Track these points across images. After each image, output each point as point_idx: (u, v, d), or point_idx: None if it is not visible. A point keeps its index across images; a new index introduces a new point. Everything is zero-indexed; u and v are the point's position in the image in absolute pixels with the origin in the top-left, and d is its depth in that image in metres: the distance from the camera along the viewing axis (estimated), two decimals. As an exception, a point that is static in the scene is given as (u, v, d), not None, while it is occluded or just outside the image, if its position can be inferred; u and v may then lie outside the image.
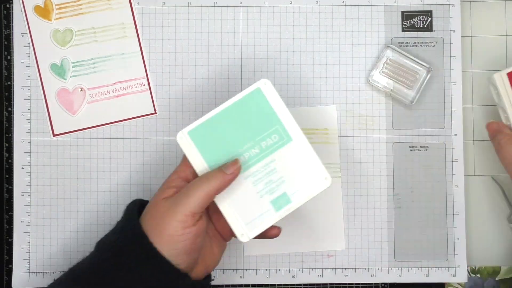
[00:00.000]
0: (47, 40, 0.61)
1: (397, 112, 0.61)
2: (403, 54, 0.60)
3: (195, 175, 0.50)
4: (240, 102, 0.49)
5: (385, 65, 0.60)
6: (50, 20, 0.61)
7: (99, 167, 0.60)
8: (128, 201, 0.52)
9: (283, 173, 0.49)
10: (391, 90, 0.60)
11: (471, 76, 0.61)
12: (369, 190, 0.60)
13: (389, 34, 0.61)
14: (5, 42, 0.61)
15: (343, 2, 0.61)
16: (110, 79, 0.61)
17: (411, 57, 0.60)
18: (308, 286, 0.60)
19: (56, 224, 0.60)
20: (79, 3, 0.61)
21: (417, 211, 0.60)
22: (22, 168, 0.60)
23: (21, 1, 0.61)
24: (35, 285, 0.60)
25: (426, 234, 0.60)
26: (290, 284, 0.60)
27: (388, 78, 0.60)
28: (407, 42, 0.61)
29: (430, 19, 0.61)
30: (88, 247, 0.52)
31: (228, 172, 0.48)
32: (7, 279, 0.60)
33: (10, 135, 0.61)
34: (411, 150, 0.61)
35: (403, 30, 0.61)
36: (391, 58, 0.60)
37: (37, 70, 0.61)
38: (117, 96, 0.61)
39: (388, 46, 0.60)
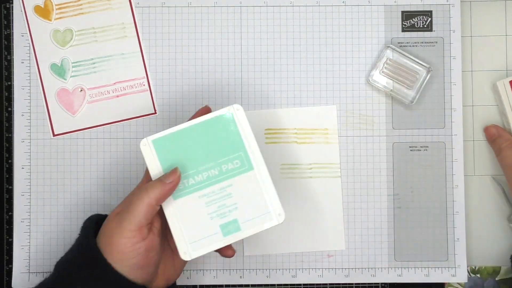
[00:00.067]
0: (47, 40, 0.61)
1: (397, 112, 0.61)
2: (403, 54, 0.60)
3: None
4: (210, 122, 0.49)
5: (385, 65, 0.60)
6: (50, 20, 0.61)
7: (99, 167, 0.60)
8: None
9: (238, 199, 0.49)
10: (391, 90, 0.60)
11: (471, 76, 0.61)
12: (369, 190, 0.60)
13: (389, 34, 0.61)
14: (5, 42, 0.61)
15: (343, 2, 0.61)
16: (110, 79, 0.61)
17: (411, 57, 0.60)
18: (308, 286, 0.60)
19: (56, 224, 0.60)
20: (79, 3, 0.61)
21: (417, 211, 0.60)
22: (22, 168, 0.60)
23: (21, 1, 0.61)
24: (35, 285, 0.60)
25: (426, 234, 0.60)
26: (290, 284, 0.60)
27: (388, 78, 0.60)
28: (407, 42, 0.61)
29: (430, 19, 0.61)
30: (88, 247, 0.52)
31: (167, 181, 0.47)
32: (7, 279, 0.60)
33: (10, 135, 0.61)
34: (411, 150, 0.61)
35: (403, 30, 0.61)
36: (391, 58, 0.60)
37: (37, 70, 0.61)
38: (117, 96, 0.61)
39: (388, 46, 0.60)
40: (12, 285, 0.60)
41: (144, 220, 0.46)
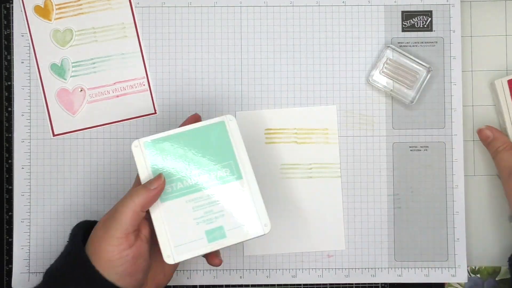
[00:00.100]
0: (47, 40, 0.61)
1: (397, 112, 0.61)
2: (403, 54, 0.60)
3: None
4: (202, 129, 0.50)
5: (385, 65, 0.60)
6: (50, 20, 0.61)
7: (99, 167, 0.60)
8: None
9: (225, 207, 0.49)
10: (391, 90, 0.60)
11: (471, 76, 0.61)
12: (369, 190, 0.60)
13: (389, 34, 0.61)
14: (5, 42, 0.61)
15: (343, 2, 0.61)
16: (110, 79, 0.61)
17: (411, 57, 0.60)
18: (308, 286, 0.60)
19: (56, 224, 0.60)
20: (79, 3, 0.61)
21: (417, 211, 0.60)
22: (22, 168, 0.60)
23: (21, 1, 0.61)
24: (35, 285, 0.60)
25: (426, 234, 0.60)
26: (290, 284, 0.60)
27: (388, 78, 0.60)
28: (407, 42, 0.61)
29: (430, 19, 0.61)
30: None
31: (152, 187, 0.47)
32: (7, 279, 0.60)
33: (10, 135, 0.61)
34: (411, 150, 0.61)
35: (403, 30, 0.61)
36: (391, 58, 0.60)
37: (37, 70, 0.61)
38: (117, 96, 0.61)
39: (388, 46, 0.60)
40: (12, 285, 0.60)
41: (130, 227, 0.46)
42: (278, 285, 0.60)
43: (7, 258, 0.60)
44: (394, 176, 0.60)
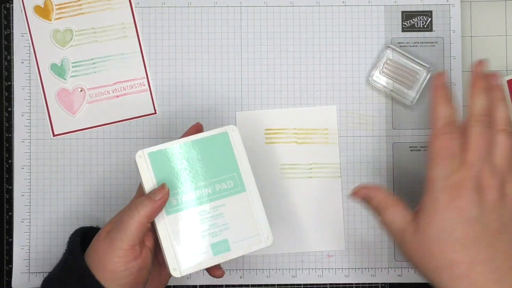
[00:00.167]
0: (47, 40, 0.61)
1: (397, 112, 0.61)
2: (403, 54, 0.60)
3: None
4: (206, 140, 0.50)
5: (385, 65, 0.60)
6: (50, 20, 0.61)
7: (99, 167, 0.60)
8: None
9: (229, 220, 0.49)
10: (391, 90, 0.60)
11: (471, 76, 0.61)
12: (369, 190, 0.60)
13: (389, 34, 0.61)
14: (5, 42, 0.61)
15: (343, 2, 0.61)
16: (110, 79, 0.61)
17: (411, 57, 0.60)
18: (308, 286, 0.60)
19: (56, 224, 0.60)
20: (79, 3, 0.61)
21: (417, 211, 0.60)
22: (22, 168, 0.60)
23: (21, 1, 0.61)
24: (35, 285, 0.60)
25: (426, 234, 0.60)
26: (290, 284, 0.60)
27: (388, 78, 0.60)
28: (407, 42, 0.61)
29: (430, 19, 0.61)
30: (88, 247, 0.52)
31: (156, 198, 0.47)
32: (7, 279, 0.60)
33: (10, 135, 0.61)
34: (411, 150, 0.61)
35: (403, 30, 0.61)
36: (391, 58, 0.60)
37: (37, 70, 0.61)
38: (117, 96, 0.61)
39: (388, 46, 0.60)
40: (12, 285, 0.60)
41: (137, 238, 0.46)
42: (278, 285, 0.60)
43: (7, 258, 0.60)
44: (394, 176, 0.60)
